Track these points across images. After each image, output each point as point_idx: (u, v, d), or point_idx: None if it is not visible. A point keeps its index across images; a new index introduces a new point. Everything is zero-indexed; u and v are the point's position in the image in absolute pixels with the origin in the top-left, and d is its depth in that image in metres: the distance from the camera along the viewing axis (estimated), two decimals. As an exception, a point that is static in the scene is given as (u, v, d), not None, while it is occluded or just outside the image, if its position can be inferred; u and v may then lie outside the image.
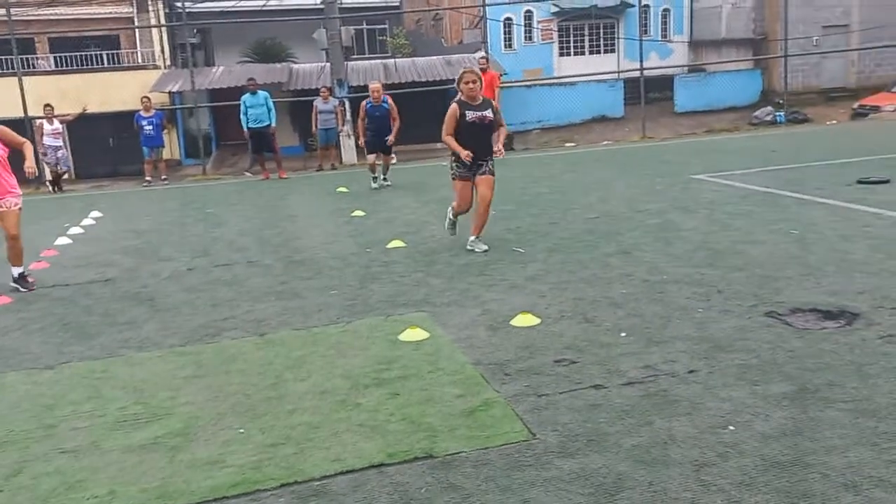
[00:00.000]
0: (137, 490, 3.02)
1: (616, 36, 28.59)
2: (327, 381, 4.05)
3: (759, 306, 4.71)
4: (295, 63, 25.85)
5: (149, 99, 16.15)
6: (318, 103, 15.42)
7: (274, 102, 14.66)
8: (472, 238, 7.04)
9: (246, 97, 14.24)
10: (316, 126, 15.45)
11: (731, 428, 3.14)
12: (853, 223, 6.93)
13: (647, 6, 26.96)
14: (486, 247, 6.91)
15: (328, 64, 18.91)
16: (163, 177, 15.89)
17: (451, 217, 7.32)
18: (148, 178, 15.53)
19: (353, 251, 7.39)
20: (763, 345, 4.06)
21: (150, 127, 15.26)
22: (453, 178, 7.05)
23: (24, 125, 17.22)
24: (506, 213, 8.66)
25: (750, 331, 4.28)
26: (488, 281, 5.83)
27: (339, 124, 16.01)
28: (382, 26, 32.91)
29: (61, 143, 15.53)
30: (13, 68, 18.03)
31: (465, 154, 6.63)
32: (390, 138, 11.65)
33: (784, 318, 4.48)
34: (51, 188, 15.73)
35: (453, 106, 6.80)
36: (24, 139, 6.80)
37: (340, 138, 17.00)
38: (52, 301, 6.15)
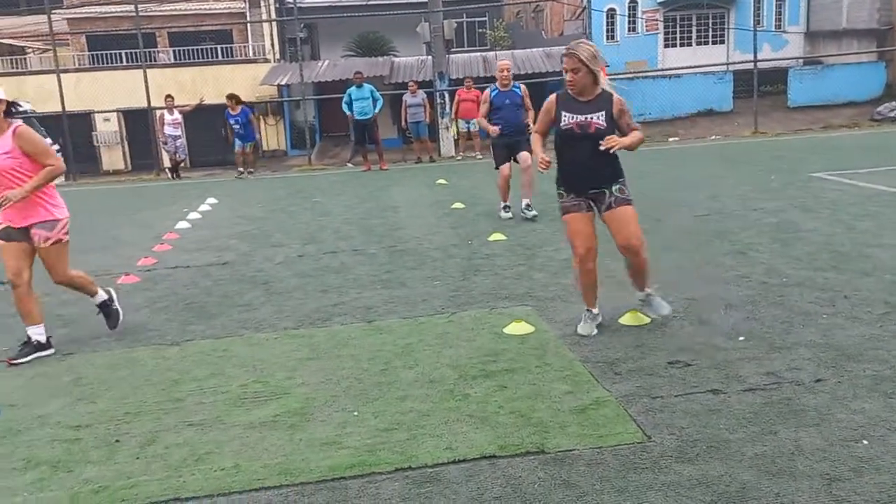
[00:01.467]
0: (260, 465, 3.15)
1: (726, 26, 27.48)
2: (435, 370, 4.11)
3: (891, 314, 4.43)
4: (396, 57, 26.22)
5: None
6: (407, 97, 15.71)
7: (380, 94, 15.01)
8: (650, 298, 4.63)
9: (352, 90, 14.59)
10: (406, 120, 15.76)
11: (865, 442, 2.97)
12: None
13: (761, -5, 25.79)
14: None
15: (429, 57, 19.09)
16: (249, 169, 15.72)
17: (577, 282, 4.66)
18: (240, 169, 15.52)
19: (454, 242, 7.45)
20: (897, 356, 3.82)
21: (238, 125, 15.11)
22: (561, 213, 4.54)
23: (147, 114, 18.29)
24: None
25: (882, 340, 4.03)
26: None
27: (426, 118, 16.20)
28: (483, 19, 32.88)
29: (180, 133, 16.30)
30: (137, 61, 19.13)
31: (542, 159, 4.43)
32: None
33: (919, 327, 4.21)
34: (170, 175, 16.60)
35: (551, 98, 4.55)
36: (52, 161, 4.62)
37: (439, 131, 17.15)
38: (175, 281, 6.51)
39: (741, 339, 4.19)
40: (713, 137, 17.72)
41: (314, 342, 4.72)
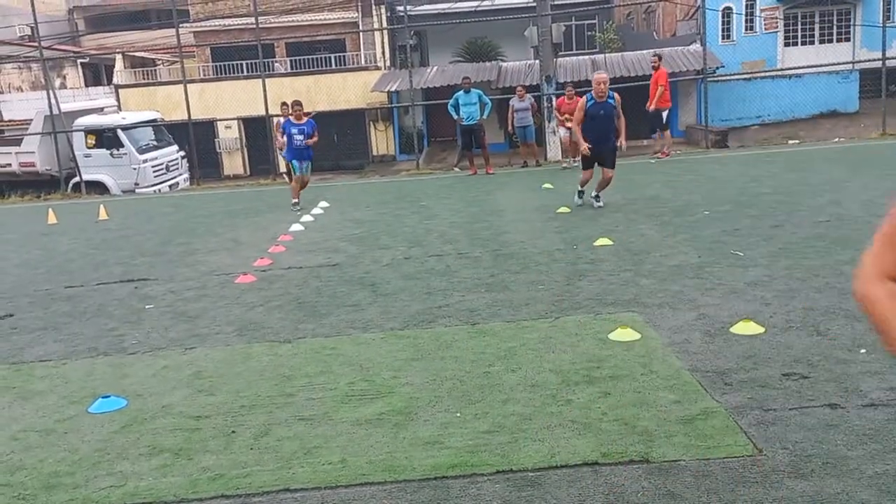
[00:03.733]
0: (365, 461, 3.26)
1: (852, 22, 25.88)
2: (537, 374, 4.11)
3: None
4: (504, 61, 26.30)
5: (287, 105, 12.50)
6: (514, 102, 15.63)
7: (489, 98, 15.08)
8: None
9: (460, 94, 14.73)
10: (512, 125, 15.65)
11: None
12: None
13: (892, -12, 24.10)
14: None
15: (537, 61, 19.02)
16: (294, 200, 11.75)
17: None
18: (295, 200, 11.71)
19: (559, 247, 7.40)
20: None
21: (301, 136, 11.56)
22: None
23: (265, 122, 19.18)
24: (721, 214, 8.21)
25: None
26: (704, 284, 5.57)
27: (535, 122, 16.05)
28: (592, 21, 32.45)
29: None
30: (256, 71, 20.10)
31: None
32: (622, 142, 9.28)
33: None
34: (287, 179, 16.96)
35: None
36: None
37: (546, 135, 17.05)
38: (288, 281, 6.80)
39: (863, 351, 3.95)
40: (837, 140, 16.72)
41: (419, 343, 4.82)
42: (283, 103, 16.65)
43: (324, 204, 11.82)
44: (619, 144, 9.21)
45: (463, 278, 6.45)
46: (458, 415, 3.66)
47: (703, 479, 2.85)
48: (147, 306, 6.30)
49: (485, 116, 14.84)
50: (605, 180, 9.32)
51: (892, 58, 20.73)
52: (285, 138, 11.81)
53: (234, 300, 6.29)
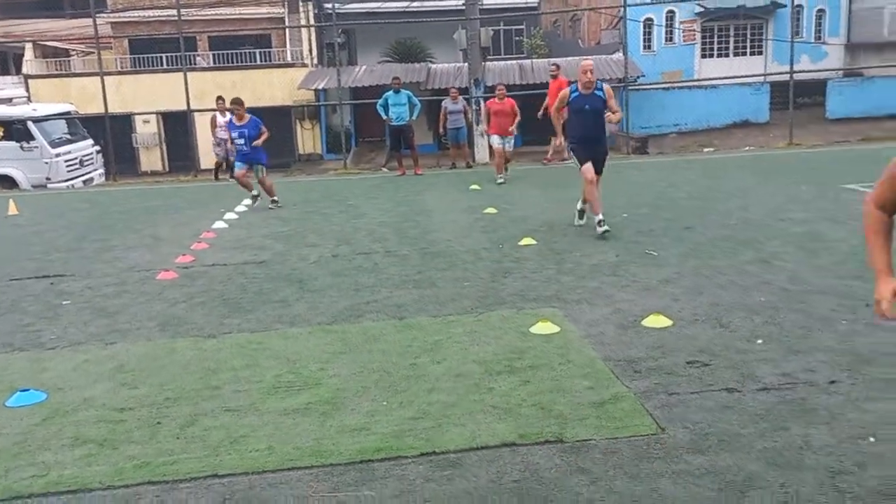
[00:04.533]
0: (292, 448, 3.35)
1: (764, 37, 27.29)
2: (462, 365, 4.27)
3: (910, 322, 4.49)
4: (433, 63, 26.50)
5: (223, 100, 12.47)
6: (448, 103, 15.79)
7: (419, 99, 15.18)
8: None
9: (389, 94, 14.79)
10: (444, 126, 15.79)
11: (873, 439, 3.07)
12: None
13: (800, 6, 25.51)
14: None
15: (465, 64, 19.29)
16: (275, 198, 11.12)
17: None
18: (253, 194, 11.19)
19: (485, 246, 7.59)
20: (912, 362, 3.90)
21: (242, 140, 10.77)
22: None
23: (186, 117, 18.76)
24: (638, 217, 8.59)
25: (898, 346, 4.11)
26: (620, 281, 5.86)
27: (467, 124, 16.24)
28: (520, 27, 33.06)
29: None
30: (177, 65, 19.64)
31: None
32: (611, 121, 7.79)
33: (939, 335, 4.26)
34: (227, 176, 15.85)
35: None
36: None
37: (475, 137, 17.31)
38: (212, 278, 6.76)
39: (759, 342, 4.28)
40: (747, 148, 17.63)
41: (346, 337, 4.91)
42: (220, 97, 16.08)
43: (248, 202, 11.70)
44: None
45: (391, 275, 6.56)
46: (385, 403, 3.78)
47: (610, 456, 3.06)
48: (64, 302, 6.16)
49: (414, 117, 14.97)
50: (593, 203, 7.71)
51: (800, 71, 22.03)
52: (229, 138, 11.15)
53: (155, 296, 6.21)
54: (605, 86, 7.73)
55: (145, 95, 23.51)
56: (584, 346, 4.45)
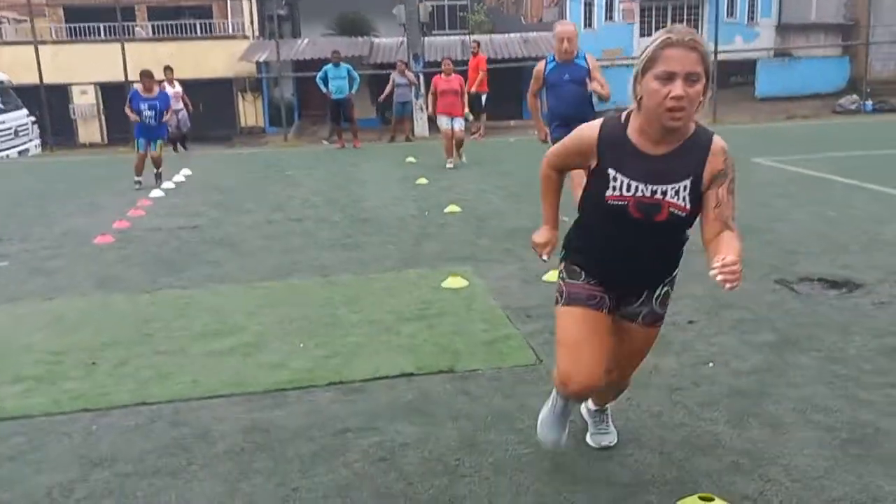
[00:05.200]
0: (216, 381, 3.75)
1: (700, 18, 28.19)
2: (376, 315, 4.72)
3: (771, 274, 5.13)
4: (376, 38, 26.63)
5: (171, 70, 12.83)
6: (395, 76, 16.10)
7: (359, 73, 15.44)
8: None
9: (329, 68, 15.03)
10: (388, 96, 16.10)
11: (711, 365, 3.65)
12: (893, 207, 7.14)
13: (734, -12, 26.49)
14: None
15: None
16: (155, 171, 10.77)
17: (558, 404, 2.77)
18: (138, 179, 10.54)
19: (413, 213, 8.04)
20: (764, 305, 4.51)
21: (152, 113, 10.41)
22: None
23: (124, 89, 18.60)
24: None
25: (756, 294, 4.72)
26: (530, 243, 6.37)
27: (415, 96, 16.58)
28: (463, 2, 33.29)
29: (181, 106, 15.62)
30: (115, 34, 19.40)
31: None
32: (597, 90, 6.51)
33: (791, 284, 4.90)
34: (173, 149, 15.47)
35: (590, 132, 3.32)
36: None
37: (414, 111, 17.66)
38: (147, 242, 7.05)
39: (639, 291, 4.84)
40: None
41: (272, 293, 5.31)
42: (167, 67, 15.82)
43: (186, 172, 11.88)
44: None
45: (320, 239, 6.96)
46: (302, 346, 4.21)
47: (493, 382, 3.57)
48: (1, 263, 6.39)
49: (353, 91, 15.24)
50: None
51: (730, 51, 22.96)
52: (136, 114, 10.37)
53: (92, 258, 6.49)
54: (589, 55, 6.61)
55: (83, 66, 23.10)
56: (487, 298, 4.94)
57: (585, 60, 6.51)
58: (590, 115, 6.46)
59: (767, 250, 5.78)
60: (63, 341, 4.42)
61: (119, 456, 3.03)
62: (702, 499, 2.49)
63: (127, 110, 10.46)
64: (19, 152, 17.57)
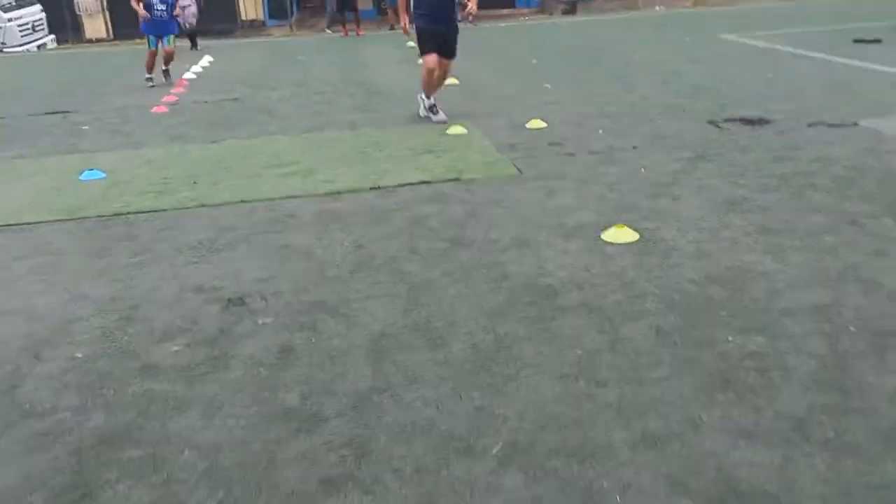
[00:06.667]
0: (289, 189, 5.22)
1: None
2: (397, 151, 6.14)
3: (703, 117, 6.54)
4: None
5: None
6: None
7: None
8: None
9: (331, -41, 15.81)
10: None
11: (643, 170, 5.12)
12: (824, 71, 8.47)
13: None
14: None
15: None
16: (147, 75, 10.56)
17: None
18: (149, 76, 10.53)
19: (417, 89, 9.30)
20: (691, 136, 5.96)
21: (164, 6, 10.27)
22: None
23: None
24: (546, 63, 10.38)
25: (688, 130, 6.15)
26: (517, 105, 7.73)
27: None
28: None
29: (190, 1, 15.61)
30: (119, -71, 19.85)
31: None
32: (471, 7, 7.21)
33: (717, 123, 6.33)
34: (192, 45, 15.55)
35: None
36: None
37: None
38: (198, 110, 8.39)
39: (600, 132, 6.29)
40: (657, 8, 19.30)
41: (313, 140, 6.72)
42: None
43: (208, 58, 13.02)
44: (466, 17, 7.62)
45: (341, 106, 8.30)
46: (345, 170, 5.66)
47: (486, 184, 5.05)
48: (83, 127, 7.75)
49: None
50: (441, 75, 7.09)
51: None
52: (145, 9, 10.16)
53: (156, 122, 7.86)
54: None
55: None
56: (482, 139, 6.36)
57: None
58: (454, 16, 6.97)
59: (707, 102, 7.17)
60: (162, 173, 5.86)
61: (238, 226, 4.53)
62: (618, 227, 4.01)
63: (134, 4, 10.21)
64: (38, 46, 18.51)
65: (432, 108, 7.20)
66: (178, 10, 10.71)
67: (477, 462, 2.28)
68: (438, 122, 7.04)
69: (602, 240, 3.96)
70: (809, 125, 6.10)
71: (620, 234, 3.97)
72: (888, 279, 3.32)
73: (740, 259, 3.62)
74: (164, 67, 10.72)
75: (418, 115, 7.37)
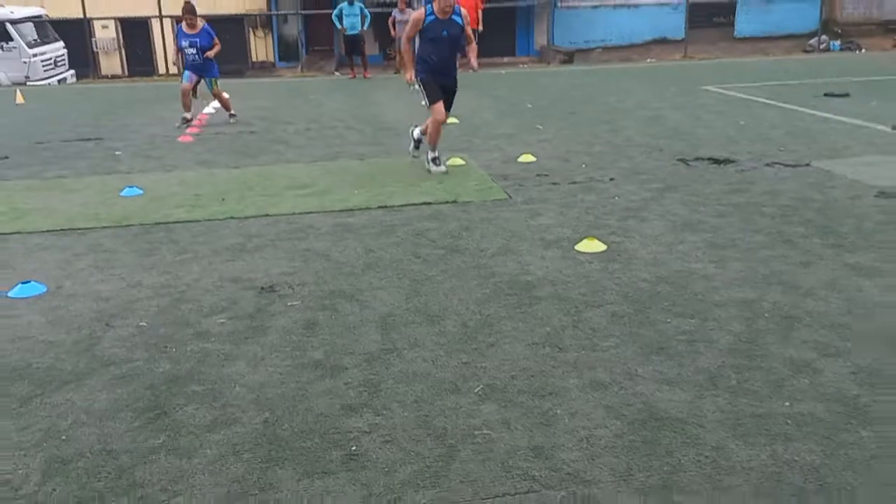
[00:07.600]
0: (307, 207, 5.96)
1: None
2: (402, 178, 6.91)
3: (676, 156, 7.33)
4: (379, -24, 28.07)
5: (192, 13, 10.33)
6: (396, 14, 17.93)
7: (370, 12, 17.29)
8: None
9: (344, 6, 16.86)
10: (395, 33, 17.95)
11: (616, 198, 5.87)
12: (790, 119, 9.30)
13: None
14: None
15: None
16: (232, 112, 10.78)
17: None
18: (186, 115, 10.44)
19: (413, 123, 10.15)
20: (662, 171, 6.73)
21: (194, 50, 10.24)
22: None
23: (146, 24, 20.26)
24: (539, 106, 11.25)
25: (661, 167, 6.93)
26: (511, 142, 8.54)
27: None
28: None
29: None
30: (142, -27, 21.02)
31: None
32: (472, 62, 7.57)
33: (687, 161, 7.11)
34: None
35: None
36: None
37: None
38: (220, 140, 9.19)
39: (583, 166, 7.07)
40: (649, 60, 20.37)
41: (326, 167, 7.50)
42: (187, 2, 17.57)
43: (225, 94, 13.87)
44: (470, 68, 7.79)
45: (352, 139, 9.11)
46: (356, 192, 6.42)
47: (479, 206, 5.79)
48: (117, 153, 8.54)
49: (365, 28, 17.12)
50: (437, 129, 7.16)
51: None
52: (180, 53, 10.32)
53: (183, 150, 8.64)
54: (463, 10, 7.03)
55: (103, 1, 24.70)
56: (478, 170, 7.14)
57: (461, 16, 6.89)
58: (455, 68, 7.27)
59: (681, 144, 7.97)
60: (193, 191, 6.62)
61: (264, 234, 5.27)
62: (589, 240, 4.74)
63: (173, 54, 10.46)
64: (59, 81, 19.48)
65: (435, 160, 7.14)
66: (214, 52, 10.43)
67: (463, 397, 2.97)
68: (437, 174, 7.00)
69: (576, 249, 4.69)
70: (767, 164, 6.89)
71: (591, 245, 4.71)
72: (806, 283, 4.04)
73: (688, 266, 4.35)
74: (229, 113, 10.77)
75: (409, 152, 7.58)
